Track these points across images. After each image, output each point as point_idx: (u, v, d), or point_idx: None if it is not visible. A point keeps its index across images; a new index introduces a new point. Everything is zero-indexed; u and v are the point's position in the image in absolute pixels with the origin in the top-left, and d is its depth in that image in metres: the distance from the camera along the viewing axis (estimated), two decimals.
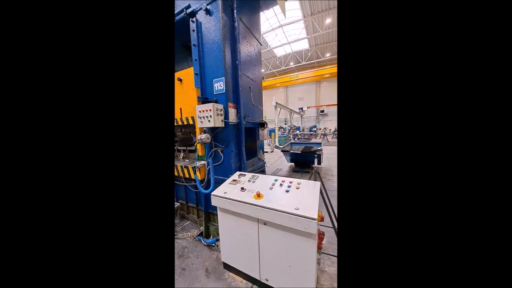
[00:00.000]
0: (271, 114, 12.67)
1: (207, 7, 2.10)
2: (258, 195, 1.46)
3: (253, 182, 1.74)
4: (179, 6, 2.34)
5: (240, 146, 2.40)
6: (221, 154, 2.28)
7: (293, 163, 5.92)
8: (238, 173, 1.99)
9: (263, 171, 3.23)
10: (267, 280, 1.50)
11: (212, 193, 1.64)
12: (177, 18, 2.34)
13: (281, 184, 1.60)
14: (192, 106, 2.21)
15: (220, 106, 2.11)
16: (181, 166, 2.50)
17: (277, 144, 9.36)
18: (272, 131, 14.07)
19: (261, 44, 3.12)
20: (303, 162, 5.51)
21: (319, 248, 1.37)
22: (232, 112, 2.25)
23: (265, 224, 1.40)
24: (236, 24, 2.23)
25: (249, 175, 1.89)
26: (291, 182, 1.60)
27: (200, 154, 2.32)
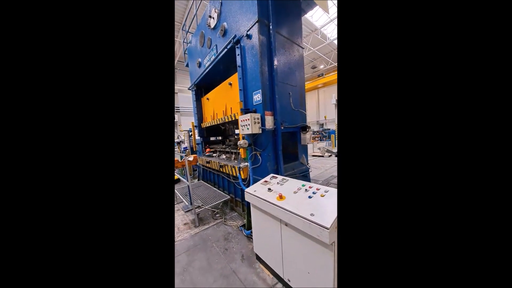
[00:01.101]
0: (332, 113, 11.41)
1: (247, 33, 2.49)
2: (281, 197, 1.57)
3: (281, 185, 1.85)
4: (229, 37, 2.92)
5: (276, 150, 2.55)
6: (260, 157, 2.55)
7: None
8: (271, 175, 2.16)
9: (305, 176, 3.14)
10: (289, 280, 1.55)
11: (246, 190, 1.94)
12: (228, 46, 2.93)
13: (306, 190, 1.60)
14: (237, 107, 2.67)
15: (258, 115, 2.40)
16: (231, 166, 3.04)
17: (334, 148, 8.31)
18: (332, 132, 12.60)
19: (302, 48, 3.11)
20: None
21: None
22: (268, 119, 2.47)
23: (286, 225, 1.48)
24: (272, 39, 2.45)
25: (280, 178, 2.01)
26: (318, 189, 1.56)
27: (242, 156, 2.73)
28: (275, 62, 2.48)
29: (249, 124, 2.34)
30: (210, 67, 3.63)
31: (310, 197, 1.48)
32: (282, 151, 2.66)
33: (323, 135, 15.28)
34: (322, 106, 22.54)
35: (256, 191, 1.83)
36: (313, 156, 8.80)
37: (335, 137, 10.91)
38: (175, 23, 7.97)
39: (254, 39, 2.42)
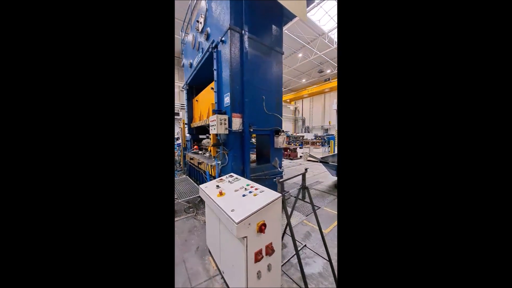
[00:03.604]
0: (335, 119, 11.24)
1: (221, 38, 2.64)
2: (221, 193, 1.68)
3: (231, 183, 1.96)
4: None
5: (243, 151, 2.67)
6: (227, 157, 2.68)
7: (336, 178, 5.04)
8: (229, 174, 2.28)
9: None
10: (223, 272, 1.66)
11: (200, 186, 2.08)
12: (209, 50, 3.10)
13: (246, 189, 1.71)
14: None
15: (225, 117, 2.53)
16: (206, 163, 3.20)
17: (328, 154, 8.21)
18: (331, 138, 12.40)
19: (282, 54, 3.21)
20: None
21: (258, 259, 1.33)
22: (236, 121, 2.59)
23: (220, 219, 1.60)
24: (244, 46, 2.58)
25: (234, 177, 2.12)
26: (256, 189, 1.66)
27: (213, 155, 2.87)
28: (246, 68, 2.60)
29: (215, 125, 2.48)
30: (197, 68, 3.83)
31: (244, 195, 1.58)
32: (257, 153, 2.77)
33: (325, 140, 15.05)
34: (327, 111, 22.18)
35: (207, 187, 1.96)
36: (308, 161, 8.75)
37: (334, 143, 10.74)
38: (179, 20, 8.27)
39: (227, 45, 2.56)
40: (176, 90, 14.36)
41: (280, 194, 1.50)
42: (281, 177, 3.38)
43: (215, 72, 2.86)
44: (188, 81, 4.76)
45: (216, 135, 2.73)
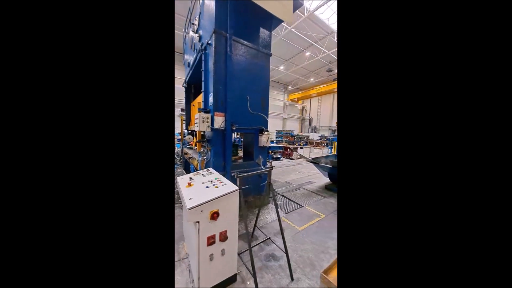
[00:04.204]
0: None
1: (208, 41, 2.80)
2: (189, 185, 1.87)
3: (204, 176, 2.14)
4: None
5: (225, 148, 2.84)
6: (209, 153, 2.87)
7: (333, 181, 4.97)
8: (207, 168, 2.47)
9: (259, 176, 3.35)
10: (187, 254, 1.86)
11: (177, 177, 2.28)
12: (200, 52, 3.28)
13: (212, 182, 1.88)
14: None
15: (207, 115, 2.71)
16: (194, 158, 3.43)
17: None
18: (335, 139, 12.16)
19: (269, 55, 3.30)
20: None
21: (210, 243, 1.50)
22: (218, 119, 2.76)
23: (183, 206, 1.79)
24: (228, 48, 2.72)
25: (211, 170, 2.31)
26: (220, 182, 1.82)
27: (198, 150, 3.08)
28: (230, 69, 2.75)
29: (198, 122, 2.67)
30: (193, 68, 4.04)
31: (207, 187, 1.75)
32: (244, 151, 2.92)
33: (330, 140, 14.77)
34: (336, 112, 21.59)
35: (182, 179, 2.16)
36: (308, 161, 8.72)
37: (337, 144, 10.56)
38: (182, 17, 8.44)
39: (212, 47, 2.72)
40: (179, 86, 14.84)
41: (237, 188, 1.65)
42: (263, 175, 3.51)
43: (203, 73, 3.04)
44: (186, 80, 5.02)
45: (202, 132, 2.93)
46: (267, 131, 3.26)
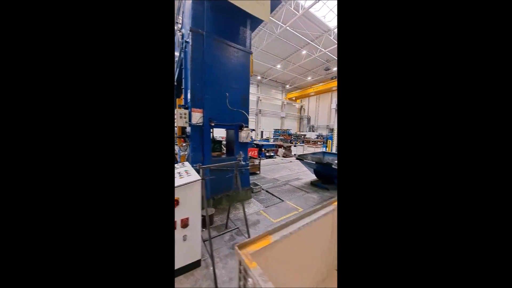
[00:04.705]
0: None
1: (186, 39, 2.89)
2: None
3: (176, 169, 2.25)
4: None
5: (203, 143, 2.94)
6: (188, 147, 2.98)
7: (318, 178, 5.07)
8: (183, 162, 2.57)
9: (240, 172, 3.45)
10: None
11: None
12: (182, 51, 3.38)
13: (179, 173, 1.98)
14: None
15: (185, 111, 2.81)
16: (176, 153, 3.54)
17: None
18: (330, 138, 12.21)
19: (249, 53, 3.38)
20: (326, 177, 4.64)
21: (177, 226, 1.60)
22: (196, 115, 2.86)
23: None
24: (205, 46, 2.81)
25: (185, 164, 2.41)
26: (187, 174, 1.93)
27: (178, 145, 3.19)
28: (207, 66, 2.84)
29: (176, 118, 2.77)
30: (178, 67, 4.14)
31: (182, 176, 1.85)
32: (227, 146, 3.02)
33: (325, 139, 14.82)
34: (334, 111, 21.58)
35: None
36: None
37: (331, 143, 10.61)
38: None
39: (190, 45, 2.81)
40: None
41: (199, 178, 1.75)
42: (245, 170, 3.61)
43: (183, 71, 3.14)
44: (176, 78, 5.13)
45: (183, 127, 3.03)
46: (247, 127, 3.35)
